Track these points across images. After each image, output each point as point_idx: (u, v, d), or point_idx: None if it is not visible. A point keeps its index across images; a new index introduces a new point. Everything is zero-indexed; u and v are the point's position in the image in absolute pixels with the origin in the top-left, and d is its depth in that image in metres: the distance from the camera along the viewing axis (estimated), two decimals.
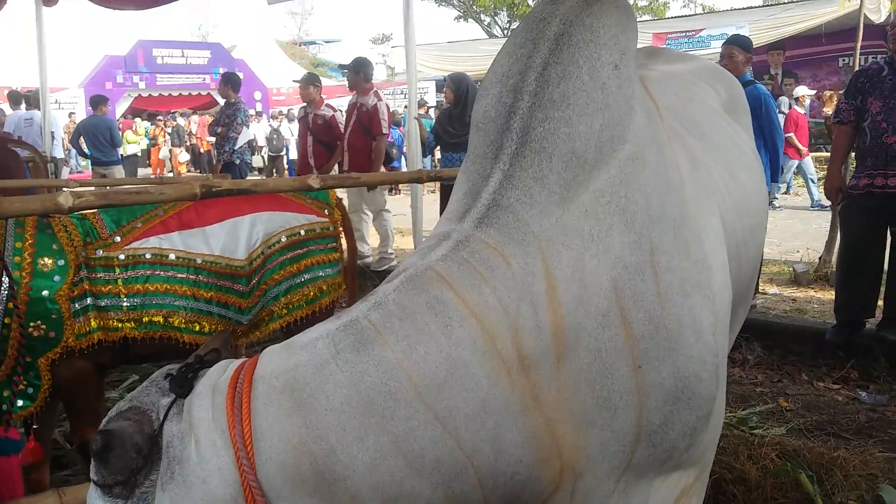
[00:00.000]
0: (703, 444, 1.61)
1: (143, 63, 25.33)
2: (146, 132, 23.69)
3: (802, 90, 12.35)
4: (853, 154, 5.27)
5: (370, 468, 1.30)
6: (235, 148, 9.08)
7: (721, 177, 2.04)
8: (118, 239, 2.91)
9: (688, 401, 1.50)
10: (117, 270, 2.87)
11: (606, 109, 1.54)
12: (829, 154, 5.81)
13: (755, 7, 18.32)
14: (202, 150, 21.45)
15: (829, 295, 6.00)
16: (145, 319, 2.90)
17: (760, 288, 6.34)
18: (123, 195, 2.66)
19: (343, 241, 3.54)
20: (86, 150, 12.47)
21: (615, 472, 1.50)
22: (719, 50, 6.14)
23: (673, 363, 1.47)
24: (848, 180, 5.25)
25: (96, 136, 11.90)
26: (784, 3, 18.37)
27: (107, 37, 24.15)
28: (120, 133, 14.57)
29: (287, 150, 20.66)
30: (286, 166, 20.71)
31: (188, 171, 22.33)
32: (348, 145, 8.09)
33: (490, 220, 1.46)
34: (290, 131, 20.44)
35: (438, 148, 8.22)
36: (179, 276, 2.96)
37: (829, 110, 10.86)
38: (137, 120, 24.04)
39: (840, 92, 7.70)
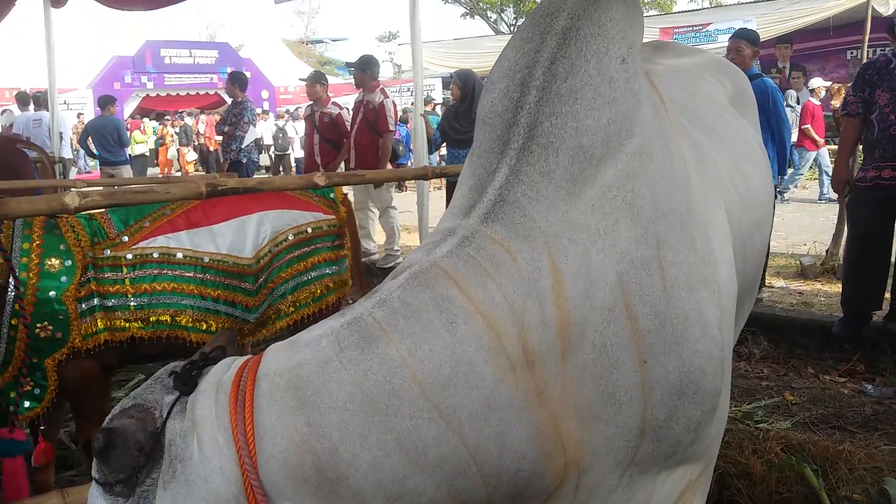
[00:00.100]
0: (707, 438, 1.61)
1: (150, 63, 25.36)
2: (154, 132, 23.73)
3: (818, 82, 12.30)
4: (861, 146, 5.26)
5: (373, 466, 1.30)
6: (242, 147, 9.09)
7: (727, 170, 2.03)
8: (126, 238, 2.92)
9: (693, 395, 1.50)
10: (125, 270, 2.88)
11: (614, 104, 1.54)
12: (837, 146, 5.79)
13: (762, 1, 18.19)
14: (210, 149, 21.46)
15: (836, 288, 5.98)
16: (152, 319, 2.91)
17: (767, 281, 6.33)
18: (129, 194, 2.67)
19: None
20: (94, 151, 12.50)
21: (620, 466, 1.50)
22: (726, 44, 6.11)
23: (678, 358, 1.47)
24: (856, 173, 5.24)
25: (104, 137, 11.93)
26: None
27: (115, 37, 24.17)
28: (128, 133, 14.60)
29: (292, 148, 20.67)
30: (293, 164, 20.72)
31: (196, 170, 22.34)
32: (355, 143, 8.10)
33: (496, 215, 1.46)
34: (295, 130, 20.46)
35: (444, 144, 8.23)
36: (187, 274, 2.97)
37: (837, 103, 10.81)
38: (145, 120, 24.08)
39: (848, 85, 7.67)
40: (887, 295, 5.00)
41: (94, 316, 2.80)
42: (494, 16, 35.18)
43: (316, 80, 8.62)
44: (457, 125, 7.47)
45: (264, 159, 20.49)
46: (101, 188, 4.05)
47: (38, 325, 2.68)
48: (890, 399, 4.32)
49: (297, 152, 20.08)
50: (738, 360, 5.04)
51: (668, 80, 2.15)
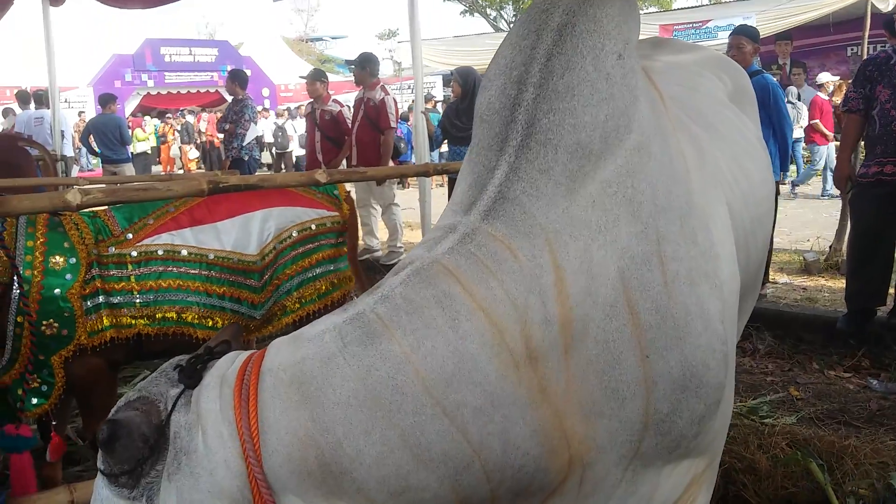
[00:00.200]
0: (711, 432, 1.61)
1: (151, 61, 25.39)
2: (155, 130, 23.75)
3: (826, 76, 12.26)
4: (862, 143, 5.25)
5: (377, 461, 1.31)
6: (244, 144, 9.10)
7: (728, 166, 2.03)
8: (130, 236, 2.93)
9: (696, 389, 1.50)
10: (130, 267, 2.89)
11: (611, 100, 1.53)
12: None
13: None
14: (215, 145, 21.48)
15: (840, 284, 5.98)
16: (158, 316, 2.92)
17: (771, 277, 6.33)
18: (131, 192, 2.67)
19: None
20: (96, 149, 12.51)
21: (623, 460, 1.50)
22: (726, 41, 6.11)
23: (680, 352, 1.47)
24: (857, 169, 5.23)
25: (106, 135, 11.93)
26: None
27: (115, 36, 24.21)
28: (129, 131, 14.60)
29: (291, 146, 20.68)
30: (293, 161, 20.73)
31: (198, 167, 22.38)
32: (356, 140, 8.11)
33: (496, 212, 1.46)
34: (294, 128, 20.47)
35: (445, 142, 8.23)
36: (192, 271, 2.98)
37: (838, 99, 10.79)
38: (146, 118, 24.10)
39: (849, 81, 7.66)
40: (891, 290, 5.01)
41: (99, 313, 2.81)
42: (494, 13, 35.21)
43: (316, 78, 8.63)
44: (458, 122, 7.47)
45: (265, 157, 20.48)
46: (102, 186, 4.04)
47: (44, 322, 2.69)
48: (895, 394, 4.31)
49: (296, 150, 20.09)
50: (743, 356, 5.04)
51: (667, 77, 2.15)
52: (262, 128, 18.08)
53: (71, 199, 2.34)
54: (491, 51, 1.73)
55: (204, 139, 22.69)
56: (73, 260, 2.76)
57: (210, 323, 3.00)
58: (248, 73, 10.96)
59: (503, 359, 1.35)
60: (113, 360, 2.95)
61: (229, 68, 14.99)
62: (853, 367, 4.78)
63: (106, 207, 2.97)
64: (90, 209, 2.76)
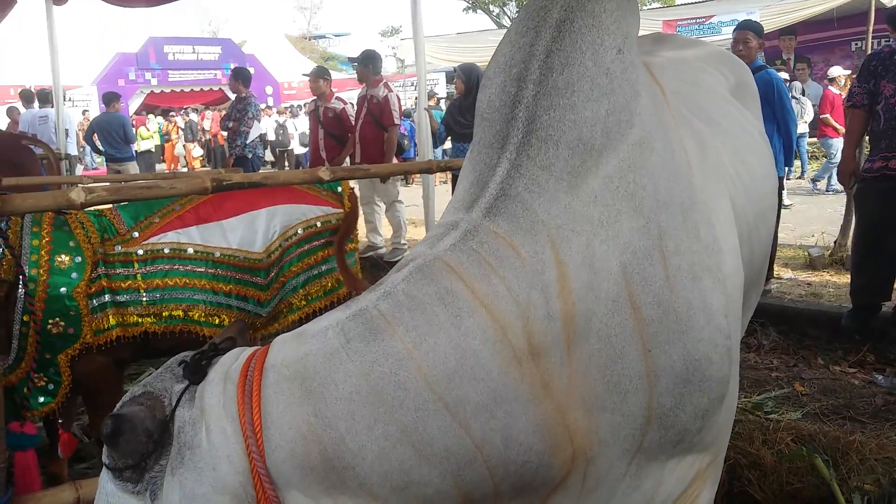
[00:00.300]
0: (716, 426, 1.61)
1: (154, 60, 25.40)
2: (159, 128, 23.78)
3: (837, 70, 12.20)
4: (867, 137, 5.23)
5: (379, 457, 1.31)
6: (247, 142, 9.10)
7: (730, 160, 2.03)
8: (136, 234, 2.94)
9: (699, 383, 1.50)
10: (136, 266, 2.90)
11: (612, 94, 1.54)
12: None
13: None
14: (219, 143, 21.51)
15: (845, 279, 5.97)
16: (165, 314, 2.93)
17: (775, 272, 6.31)
18: (135, 190, 2.67)
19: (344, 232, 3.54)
20: (100, 147, 12.54)
21: (627, 454, 1.50)
22: (730, 36, 6.09)
23: (683, 346, 1.48)
24: (862, 164, 5.22)
25: (110, 133, 11.96)
26: None
27: (118, 34, 24.23)
28: (133, 129, 14.62)
29: (291, 145, 20.74)
30: (294, 159, 20.78)
31: (202, 166, 22.41)
32: (360, 137, 8.11)
33: (498, 209, 1.46)
34: (295, 126, 20.50)
35: (449, 139, 8.23)
36: (198, 269, 2.99)
37: (843, 94, 10.76)
38: (150, 116, 24.13)
39: (853, 76, 7.64)
40: None
41: (105, 312, 2.82)
42: (497, 10, 35.13)
43: (319, 76, 8.63)
44: (461, 119, 7.47)
45: (268, 155, 20.53)
46: (106, 184, 4.05)
47: (50, 321, 2.70)
48: None
49: (297, 148, 20.13)
50: (748, 352, 5.04)
51: (669, 72, 2.15)
52: (265, 126, 18.11)
53: (75, 198, 2.34)
54: (494, 47, 1.73)
55: (208, 137, 22.72)
56: (79, 259, 2.77)
57: (217, 321, 3.01)
58: (252, 70, 10.96)
59: (505, 355, 1.35)
60: (119, 358, 2.96)
61: (233, 66, 14.99)
62: (858, 362, 4.78)
63: (111, 206, 2.98)
64: (96, 208, 2.76)
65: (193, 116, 24.10)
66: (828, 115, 11.29)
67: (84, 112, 21.18)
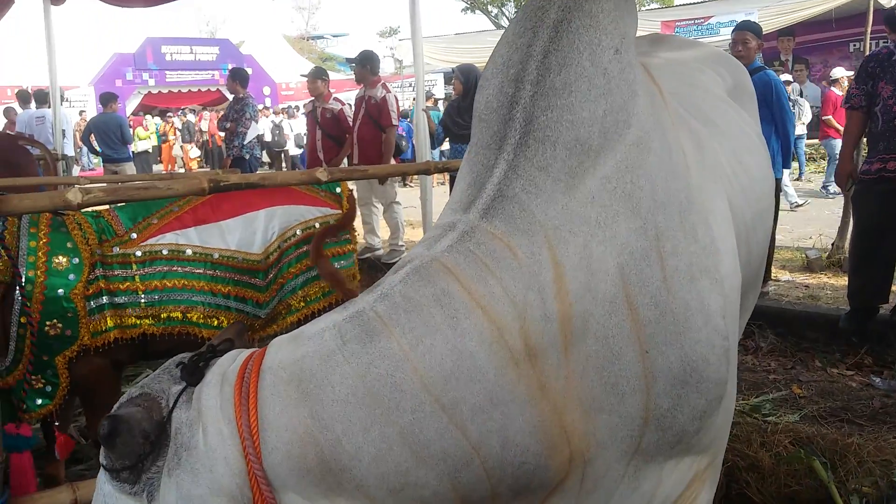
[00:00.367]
0: (714, 427, 1.61)
1: (152, 60, 25.40)
2: (156, 129, 23.76)
3: (840, 72, 12.21)
4: (865, 139, 5.24)
5: (376, 458, 1.31)
6: (245, 143, 9.10)
7: (728, 161, 2.03)
8: (134, 235, 2.93)
9: (696, 384, 1.50)
10: (134, 267, 2.89)
11: (609, 95, 1.53)
12: None
13: None
14: (217, 144, 21.52)
15: (842, 281, 5.97)
16: (163, 315, 2.92)
17: (773, 274, 6.32)
18: (132, 191, 2.67)
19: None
20: (97, 148, 12.52)
21: (625, 456, 1.50)
22: (728, 37, 6.09)
23: (680, 347, 1.47)
24: (860, 166, 5.22)
25: (107, 134, 11.93)
26: None
27: (116, 34, 24.22)
28: (130, 130, 14.61)
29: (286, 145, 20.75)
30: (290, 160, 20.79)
31: (200, 166, 22.41)
32: (358, 138, 8.11)
33: (495, 210, 1.46)
34: (290, 127, 20.52)
35: (447, 140, 8.23)
36: (197, 271, 2.98)
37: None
38: (147, 117, 24.12)
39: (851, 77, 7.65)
40: (894, 288, 4.99)
41: (103, 314, 2.82)
42: (495, 10, 35.12)
43: (317, 76, 8.63)
44: (459, 120, 7.46)
45: (264, 156, 20.54)
46: (103, 185, 4.04)
47: (48, 322, 2.69)
48: None
49: (291, 149, 20.15)
50: (745, 354, 5.04)
51: (666, 72, 2.15)
52: (262, 126, 18.13)
53: (72, 198, 2.33)
54: (492, 48, 1.73)
55: (205, 138, 22.70)
56: (76, 260, 2.77)
57: (215, 322, 3.00)
58: (249, 71, 10.99)
59: (502, 356, 1.35)
60: (117, 360, 2.96)
61: (230, 67, 14.99)
62: (856, 364, 4.78)
63: (109, 207, 2.97)
64: (94, 209, 2.76)
65: (191, 117, 24.08)
66: (830, 117, 11.29)
67: (81, 112, 21.16)
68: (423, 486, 1.34)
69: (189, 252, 2.98)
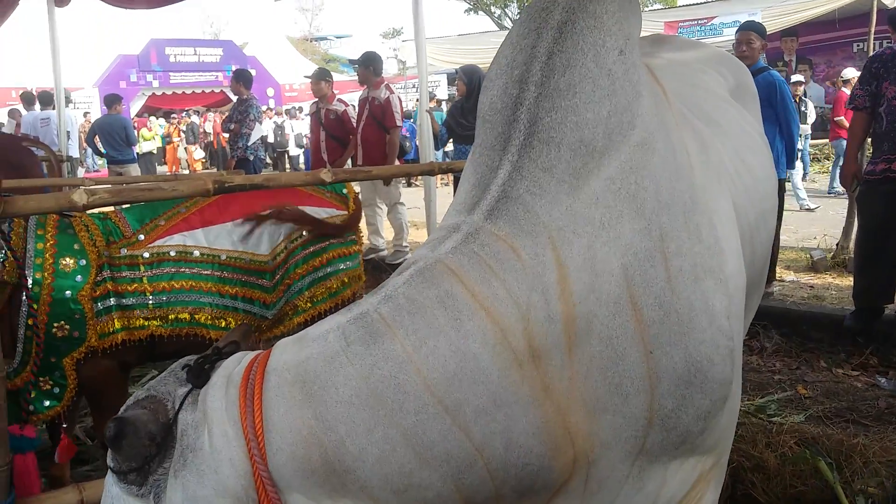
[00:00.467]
0: (718, 428, 1.61)
1: (156, 62, 25.45)
2: (160, 130, 23.79)
3: (851, 72, 12.13)
4: (870, 140, 5.22)
5: (379, 460, 1.31)
6: (248, 144, 9.10)
7: (731, 161, 2.03)
8: (142, 237, 2.94)
9: (701, 385, 1.50)
10: (142, 268, 2.90)
11: (613, 96, 1.53)
12: None
13: None
14: (222, 145, 21.54)
15: (847, 281, 5.97)
16: (171, 317, 2.93)
17: (778, 275, 6.31)
18: (137, 192, 2.67)
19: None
20: (101, 149, 12.54)
21: (629, 456, 1.50)
22: (732, 37, 6.08)
23: (685, 347, 1.47)
24: (865, 166, 5.20)
25: (111, 135, 11.96)
26: None
27: (120, 36, 24.29)
28: (135, 131, 14.63)
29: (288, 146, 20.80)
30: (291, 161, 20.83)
31: (204, 168, 22.43)
32: (361, 139, 8.12)
33: (500, 211, 1.46)
34: (291, 128, 20.53)
35: (451, 140, 8.23)
36: (204, 272, 2.99)
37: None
38: (152, 118, 24.15)
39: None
40: None
41: (110, 315, 2.82)
42: (498, 11, 35.13)
43: (321, 78, 8.64)
44: (463, 121, 7.47)
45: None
46: (108, 186, 4.05)
47: (55, 324, 2.69)
48: None
49: (292, 150, 20.17)
50: (750, 354, 5.03)
51: (669, 73, 2.15)
52: (265, 128, 18.16)
53: (77, 200, 2.34)
54: (495, 49, 1.73)
55: (209, 139, 22.72)
56: (84, 262, 2.77)
57: (223, 323, 3.01)
58: (253, 72, 10.96)
59: (505, 358, 1.35)
60: (125, 361, 2.96)
61: (234, 68, 15.00)
62: (861, 365, 4.77)
63: (116, 209, 2.98)
64: (101, 211, 2.76)
65: (195, 118, 24.10)
66: (842, 118, 11.25)
67: (85, 114, 21.21)
68: (426, 487, 1.34)
69: (196, 253, 2.99)
